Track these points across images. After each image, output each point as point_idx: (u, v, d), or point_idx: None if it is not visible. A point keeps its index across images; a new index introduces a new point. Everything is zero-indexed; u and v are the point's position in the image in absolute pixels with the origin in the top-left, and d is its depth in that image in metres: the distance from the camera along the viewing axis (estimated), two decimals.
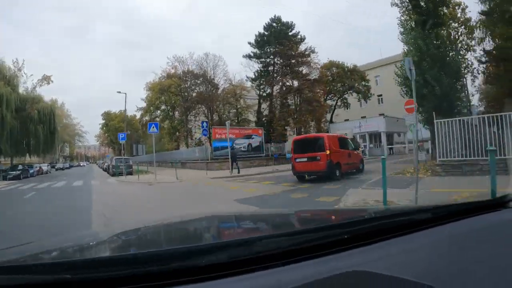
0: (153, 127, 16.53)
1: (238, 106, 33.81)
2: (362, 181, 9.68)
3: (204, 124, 21.48)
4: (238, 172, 16.45)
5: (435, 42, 12.51)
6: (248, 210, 5.90)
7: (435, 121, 9.20)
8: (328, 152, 10.65)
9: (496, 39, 14.88)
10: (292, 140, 12.67)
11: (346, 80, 32.56)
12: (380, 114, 32.74)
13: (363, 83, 33.72)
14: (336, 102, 35.41)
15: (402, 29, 13.53)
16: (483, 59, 18.39)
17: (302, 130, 30.21)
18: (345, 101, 35.26)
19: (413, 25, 12.98)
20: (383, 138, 30.00)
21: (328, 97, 34.24)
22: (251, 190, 9.56)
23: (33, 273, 0.73)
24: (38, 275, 0.71)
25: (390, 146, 31.10)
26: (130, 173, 20.66)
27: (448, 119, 9.21)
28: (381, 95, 39.00)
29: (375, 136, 31.91)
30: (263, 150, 24.81)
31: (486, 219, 1.04)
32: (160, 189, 12.25)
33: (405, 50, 13.29)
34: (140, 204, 8.65)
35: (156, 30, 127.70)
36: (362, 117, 33.38)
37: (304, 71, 30.51)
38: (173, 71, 35.28)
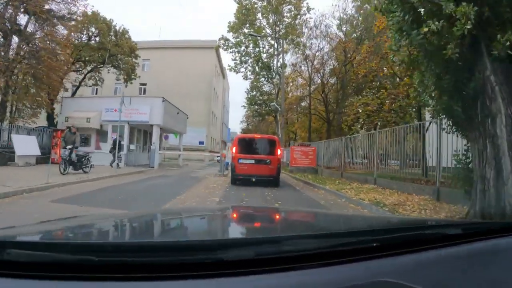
0: None
1: None
2: None
3: None
4: None
5: None
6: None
7: None
8: (279, 156, 10.27)
9: None
10: (236, 138, 11.00)
11: (109, 45, 21.93)
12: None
13: (131, 58, 24.16)
14: (85, 76, 22.84)
15: None
16: None
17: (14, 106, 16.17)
18: (99, 76, 23.84)
19: None
20: (155, 136, 17.70)
21: (74, 66, 21.50)
22: None
23: (57, 251, 0.69)
24: (62, 254, 0.67)
25: (160, 152, 20.28)
26: None
27: None
28: (145, 84, 31.20)
29: (142, 132, 20.96)
30: None
31: None
32: None
33: None
34: None
35: None
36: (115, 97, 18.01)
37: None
38: None
